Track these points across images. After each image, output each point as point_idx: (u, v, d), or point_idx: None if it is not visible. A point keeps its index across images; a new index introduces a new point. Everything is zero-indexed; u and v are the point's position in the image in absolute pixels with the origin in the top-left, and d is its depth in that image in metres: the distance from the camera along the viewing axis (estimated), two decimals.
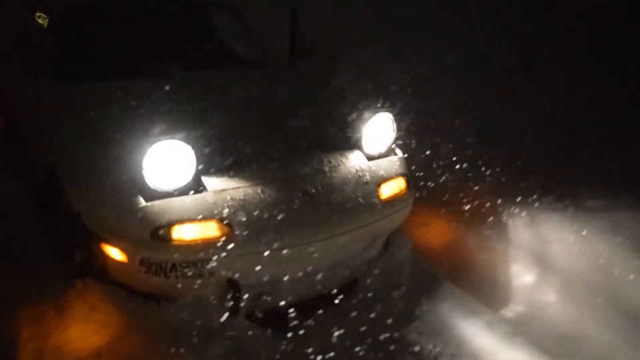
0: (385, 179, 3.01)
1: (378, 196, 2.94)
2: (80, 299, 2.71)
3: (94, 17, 3.77)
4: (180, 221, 2.49)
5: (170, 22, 4.04)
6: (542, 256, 3.27)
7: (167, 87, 3.01)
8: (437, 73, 5.03)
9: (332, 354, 2.62)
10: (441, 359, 2.64)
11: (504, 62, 5.61)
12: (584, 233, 3.25)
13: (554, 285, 3.11)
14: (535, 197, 3.60)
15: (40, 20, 3.82)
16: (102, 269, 2.73)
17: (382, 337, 2.73)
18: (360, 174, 2.96)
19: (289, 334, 2.71)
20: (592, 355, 2.69)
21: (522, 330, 2.80)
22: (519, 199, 3.59)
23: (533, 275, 3.21)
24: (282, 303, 2.75)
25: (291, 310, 2.74)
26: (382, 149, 3.13)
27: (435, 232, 3.55)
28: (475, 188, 3.72)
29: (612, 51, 5.91)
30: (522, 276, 3.22)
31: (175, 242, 2.48)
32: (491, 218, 3.52)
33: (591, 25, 6.17)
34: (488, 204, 3.60)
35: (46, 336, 2.55)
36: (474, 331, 2.77)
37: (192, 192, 2.56)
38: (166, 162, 2.52)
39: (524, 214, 3.49)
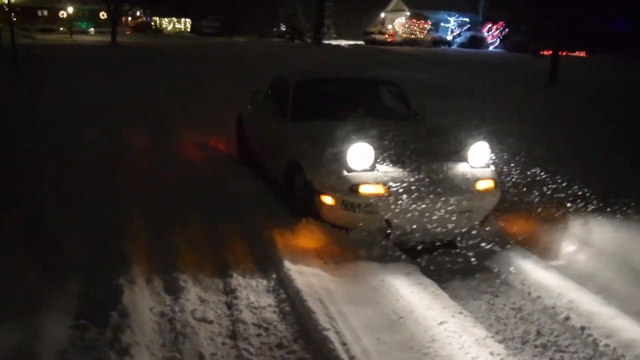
0: (480, 179, 5.13)
1: (475, 187, 5.07)
2: (304, 227, 5.07)
3: (316, 85, 6.45)
4: (363, 183, 4.82)
5: (360, 90, 6.63)
6: (583, 238, 5.16)
7: (358, 126, 5.46)
8: None
9: (436, 270, 4.73)
10: (508, 274, 4.61)
11: None
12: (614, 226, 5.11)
13: (587, 253, 4.98)
14: (584, 203, 5.54)
15: None
16: (317, 212, 5.09)
17: (473, 264, 4.78)
18: (465, 174, 5.12)
19: (416, 258, 4.88)
20: (603, 286, 4.49)
21: (561, 269, 4.71)
22: (574, 204, 5.56)
23: (575, 246, 5.09)
24: (415, 240, 4.93)
25: (419, 245, 4.93)
26: (481, 163, 5.28)
27: (516, 219, 5.57)
28: (545, 194, 5.72)
29: None
30: (568, 247, 5.11)
31: (361, 194, 4.80)
32: (551, 214, 5.49)
33: None
34: (551, 205, 5.59)
35: (288, 240, 4.91)
36: (530, 265, 4.69)
37: (370, 170, 4.90)
38: (358, 154, 4.90)
39: (574, 213, 5.43)
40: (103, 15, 53.17)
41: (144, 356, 3.25)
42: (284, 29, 53.42)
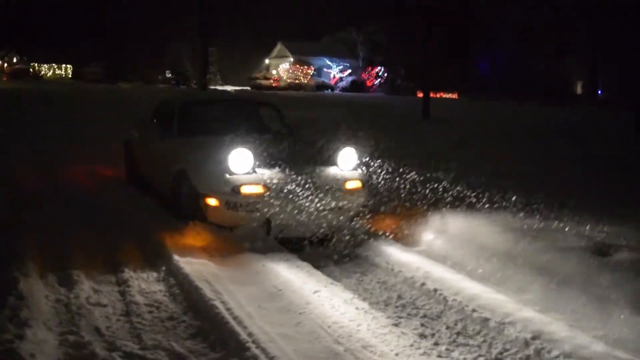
0: (348, 179, 5.81)
1: (344, 187, 5.73)
2: (191, 230, 5.48)
3: (200, 106, 6.94)
4: (244, 184, 5.33)
5: (241, 111, 7.21)
6: (440, 228, 5.94)
7: (239, 137, 5.99)
8: None
9: (313, 258, 5.29)
10: (377, 258, 5.25)
11: None
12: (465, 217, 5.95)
13: (443, 239, 5.76)
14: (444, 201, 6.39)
15: None
16: (203, 215, 5.53)
17: (346, 252, 5.39)
18: (335, 176, 5.78)
19: (295, 248, 5.42)
20: (455, 261, 5.24)
21: (422, 253, 5.43)
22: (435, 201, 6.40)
23: (434, 235, 5.86)
24: (294, 234, 5.47)
25: (299, 239, 5.49)
26: (349, 166, 5.96)
27: (384, 214, 6.29)
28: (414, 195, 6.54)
29: None
30: (429, 236, 5.87)
31: (242, 194, 5.31)
32: (417, 209, 6.28)
33: None
34: (419, 203, 6.40)
35: (176, 240, 5.28)
36: (394, 250, 5.37)
37: (250, 173, 5.42)
38: (239, 158, 5.42)
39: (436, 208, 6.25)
40: None
41: (42, 329, 3.52)
42: (169, 75, 53.37)
